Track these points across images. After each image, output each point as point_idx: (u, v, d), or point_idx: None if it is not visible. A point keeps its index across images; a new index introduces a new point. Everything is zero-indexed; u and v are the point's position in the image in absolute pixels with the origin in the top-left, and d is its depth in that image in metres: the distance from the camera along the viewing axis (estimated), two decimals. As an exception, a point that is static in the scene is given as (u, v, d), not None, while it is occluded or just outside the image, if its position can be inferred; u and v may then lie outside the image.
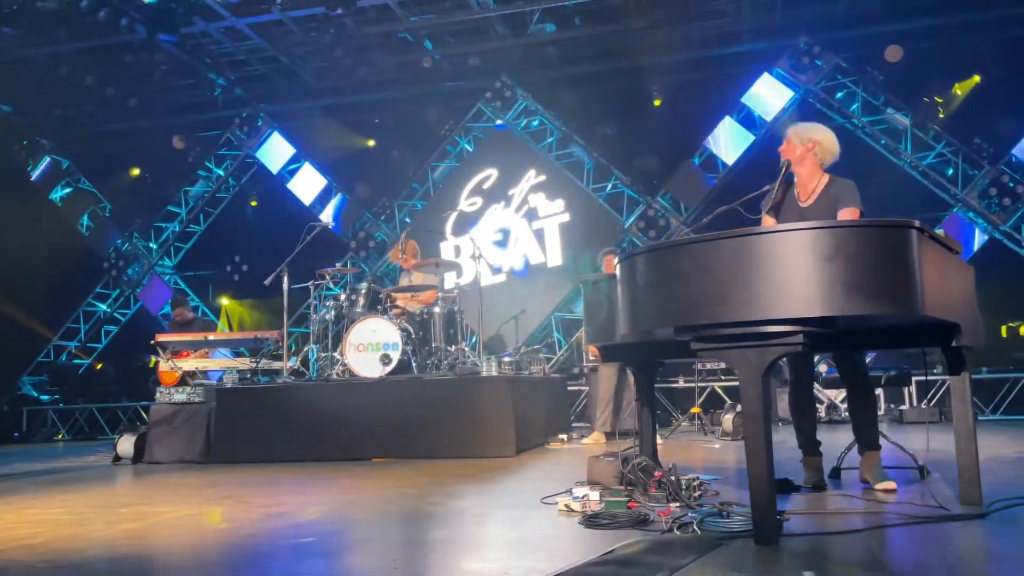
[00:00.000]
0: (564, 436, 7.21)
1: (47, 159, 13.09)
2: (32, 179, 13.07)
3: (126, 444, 6.85)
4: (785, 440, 4.54)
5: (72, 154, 13.14)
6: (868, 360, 7.38)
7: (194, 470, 6.09)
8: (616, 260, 3.21)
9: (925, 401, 8.85)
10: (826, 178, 3.74)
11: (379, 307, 7.17)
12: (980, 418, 8.78)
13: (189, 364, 7.70)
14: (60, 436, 11.61)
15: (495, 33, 10.78)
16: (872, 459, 3.76)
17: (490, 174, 11.22)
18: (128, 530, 3.44)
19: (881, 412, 8.93)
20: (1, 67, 10.96)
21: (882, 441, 3.89)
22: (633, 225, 10.54)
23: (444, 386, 6.33)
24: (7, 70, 11.09)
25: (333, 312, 7.22)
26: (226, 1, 9.64)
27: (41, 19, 9.81)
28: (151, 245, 12.73)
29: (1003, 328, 9.49)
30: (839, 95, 10.19)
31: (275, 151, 12.27)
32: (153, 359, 8.40)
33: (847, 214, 3.57)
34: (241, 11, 10.03)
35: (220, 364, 7.78)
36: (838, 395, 8.67)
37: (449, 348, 7.07)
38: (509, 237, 10.96)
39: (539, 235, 10.86)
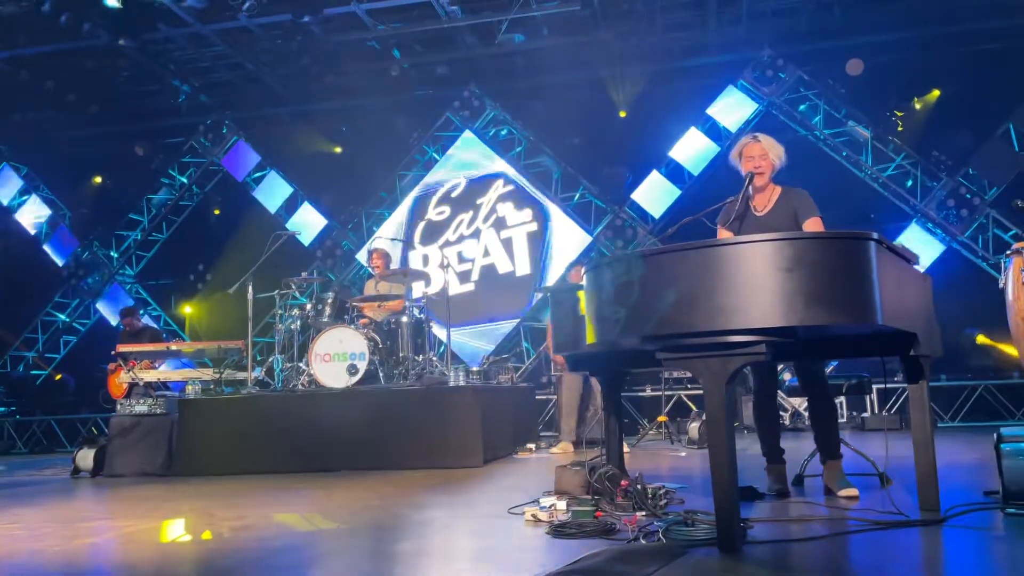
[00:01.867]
0: (532, 445, 7.21)
1: (4, 165, 12.80)
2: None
3: (85, 457, 6.70)
4: (749, 447, 4.59)
5: (30, 160, 12.87)
6: (830, 368, 7.49)
7: (156, 483, 5.98)
8: (583, 270, 3.22)
9: (886, 409, 9.00)
10: (779, 189, 3.80)
11: (346, 317, 7.12)
12: (939, 425, 8.95)
13: (151, 375, 7.58)
14: (23, 451, 11.33)
15: (463, 42, 10.80)
16: (834, 467, 3.82)
17: (458, 183, 11.22)
18: (87, 545, 3.37)
19: (843, 420, 9.05)
20: (-43, 71, 10.74)
21: (844, 449, 3.95)
22: (601, 234, 10.60)
23: (411, 396, 6.30)
24: (-37, 74, 10.86)
25: (299, 321, 7.15)
26: (191, 7, 9.52)
27: (0, 22, 9.61)
28: (112, 254, 12.51)
29: (976, 337, 9.71)
30: (802, 107, 10.37)
31: (240, 159, 12.14)
32: (112, 366, 8.23)
33: (813, 224, 3.63)
34: (206, 17, 9.91)
35: (183, 374, 7.67)
36: (802, 403, 8.78)
37: (416, 358, 7.04)
38: (477, 246, 10.96)
39: (507, 244, 10.88)
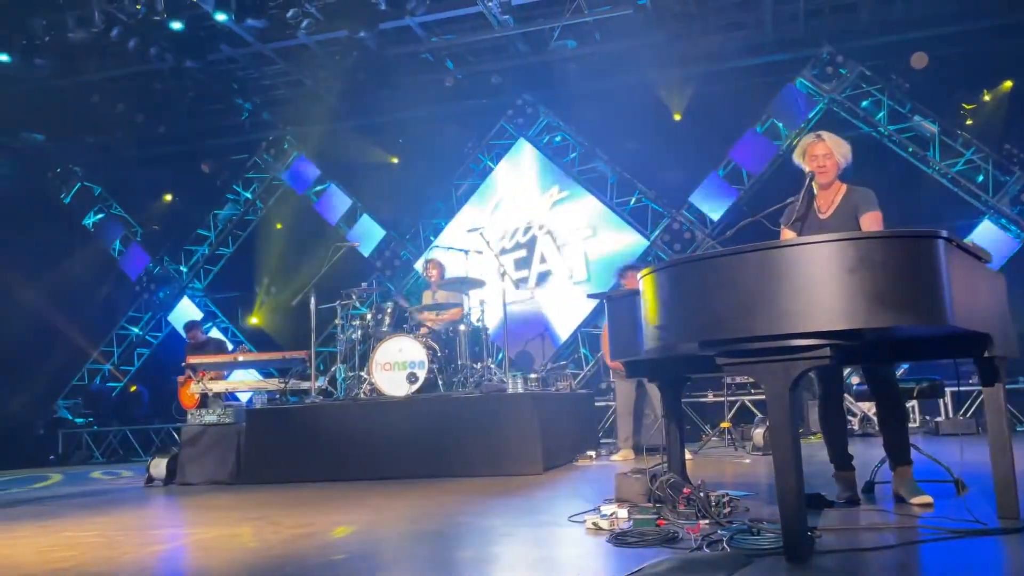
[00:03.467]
0: (592, 453, 7.16)
1: (79, 185, 13.37)
2: (65, 205, 13.37)
3: (158, 466, 6.93)
4: (816, 454, 4.47)
5: (104, 180, 13.42)
6: (901, 371, 7.25)
7: (225, 491, 6.14)
8: (639, 275, 3.19)
9: (961, 412, 8.67)
10: (844, 188, 3.70)
11: (405, 326, 7.20)
12: (1018, 428, 8.58)
13: (219, 386, 7.79)
14: (99, 459, 11.76)
15: (516, 51, 10.85)
16: (904, 474, 3.68)
17: (513, 191, 11.25)
18: (159, 552, 3.47)
19: (916, 424, 8.76)
20: (35, 97, 11.25)
21: (917, 455, 3.81)
22: (658, 239, 10.50)
23: (470, 404, 6.33)
24: (41, 100, 11.38)
25: (360, 331, 7.26)
26: (251, 27, 9.81)
27: (72, 50, 10.05)
28: (181, 268, 12.93)
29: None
30: (864, 104, 10.09)
31: (301, 173, 12.43)
32: (182, 378, 8.48)
33: (870, 219, 3.53)
34: (266, 37, 10.21)
35: (249, 385, 7.86)
36: (871, 408, 8.51)
37: (475, 365, 7.08)
38: (533, 253, 10.97)
39: (563, 251, 10.86)
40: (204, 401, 7.80)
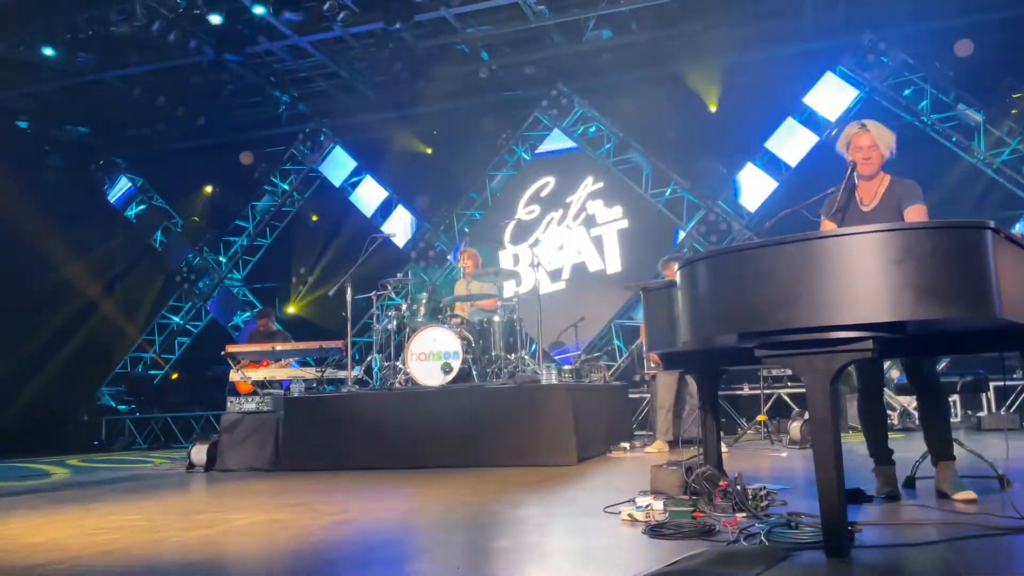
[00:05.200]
0: (626, 444, 7.14)
1: (122, 178, 13.64)
2: (108, 197, 13.65)
3: (199, 452, 7.06)
4: (854, 449, 4.41)
5: (145, 172, 13.68)
6: (942, 365, 7.13)
7: (263, 478, 6.24)
8: (676, 266, 3.17)
9: (1004, 408, 8.49)
10: (888, 179, 3.62)
11: (440, 316, 7.24)
12: (1065, 425, 8.37)
13: (259, 374, 7.89)
14: (143, 446, 12.01)
15: (551, 41, 10.81)
16: (947, 469, 3.61)
17: (547, 182, 11.24)
18: (201, 536, 3.54)
19: (958, 419, 8.60)
20: (78, 90, 11.49)
21: (959, 450, 3.74)
22: (694, 230, 10.41)
23: (505, 394, 6.35)
24: (84, 93, 11.62)
25: (395, 322, 7.32)
26: (289, 20, 9.91)
27: (115, 44, 10.25)
28: (220, 259, 13.13)
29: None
30: (907, 92, 9.89)
31: (338, 165, 12.55)
32: (244, 363, 8.59)
33: (915, 211, 3.45)
34: (303, 29, 10.30)
35: (287, 374, 7.96)
36: (911, 402, 8.37)
37: (509, 356, 7.09)
38: (567, 244, 10.95)
39: (598, 242, 10.82)
40: (258, 388, 7.90)
